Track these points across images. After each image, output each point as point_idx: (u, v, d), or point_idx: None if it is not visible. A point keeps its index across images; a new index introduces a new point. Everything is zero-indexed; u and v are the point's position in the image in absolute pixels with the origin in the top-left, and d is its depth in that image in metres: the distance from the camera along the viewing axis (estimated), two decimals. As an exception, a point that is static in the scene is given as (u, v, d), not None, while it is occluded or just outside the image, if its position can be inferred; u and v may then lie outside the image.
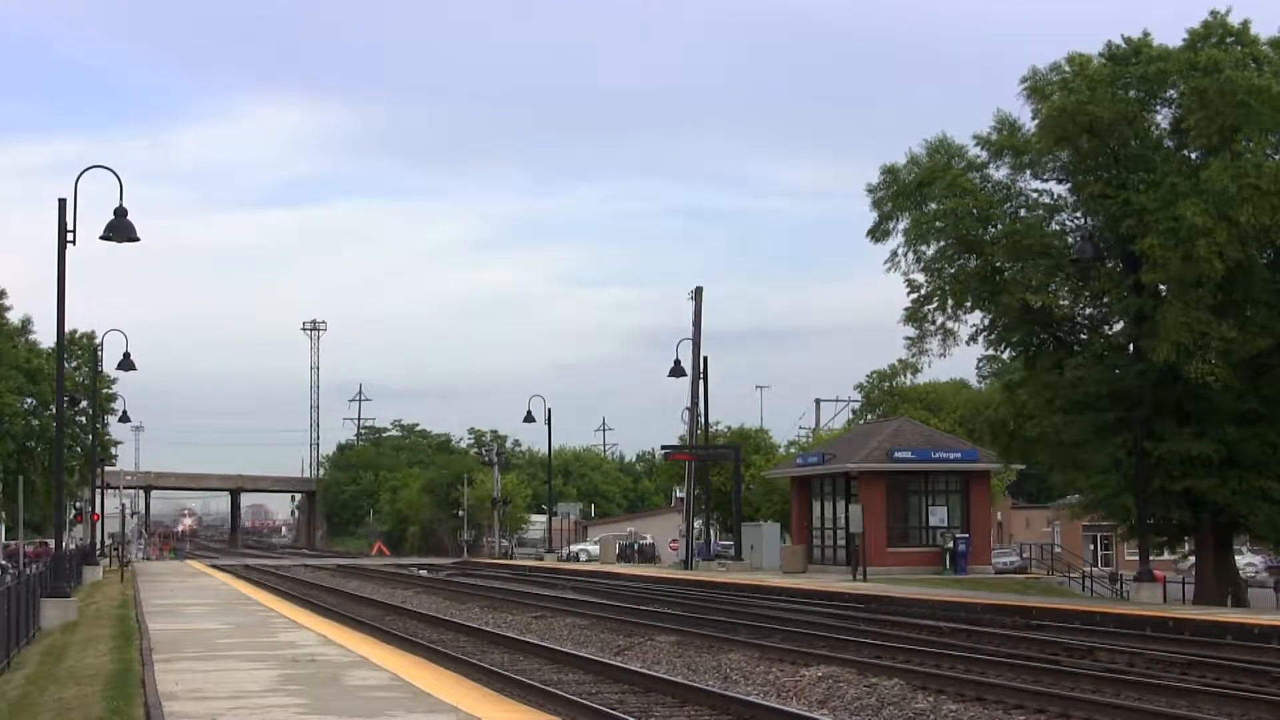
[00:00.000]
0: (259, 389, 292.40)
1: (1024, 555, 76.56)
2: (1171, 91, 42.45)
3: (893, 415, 74.60)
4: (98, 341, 69.13)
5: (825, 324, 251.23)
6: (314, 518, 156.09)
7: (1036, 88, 43.29)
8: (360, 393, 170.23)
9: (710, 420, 70.20)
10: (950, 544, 55.70)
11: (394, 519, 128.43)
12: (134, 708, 15.98)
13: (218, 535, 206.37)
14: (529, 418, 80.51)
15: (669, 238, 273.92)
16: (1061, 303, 44.64)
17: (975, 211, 43.86)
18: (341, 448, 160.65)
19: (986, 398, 65.30)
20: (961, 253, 44.80)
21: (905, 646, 26.08)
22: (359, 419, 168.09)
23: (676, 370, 64.98)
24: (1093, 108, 41.05)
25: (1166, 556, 54.06)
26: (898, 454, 57.53)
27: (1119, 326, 44.85)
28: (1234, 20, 42.11)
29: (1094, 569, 69.90)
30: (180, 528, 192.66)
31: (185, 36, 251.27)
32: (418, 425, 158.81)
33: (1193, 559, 48.39)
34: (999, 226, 44.19)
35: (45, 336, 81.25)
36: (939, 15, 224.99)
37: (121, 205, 31.45)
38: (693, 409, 69.02)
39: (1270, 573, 62.97)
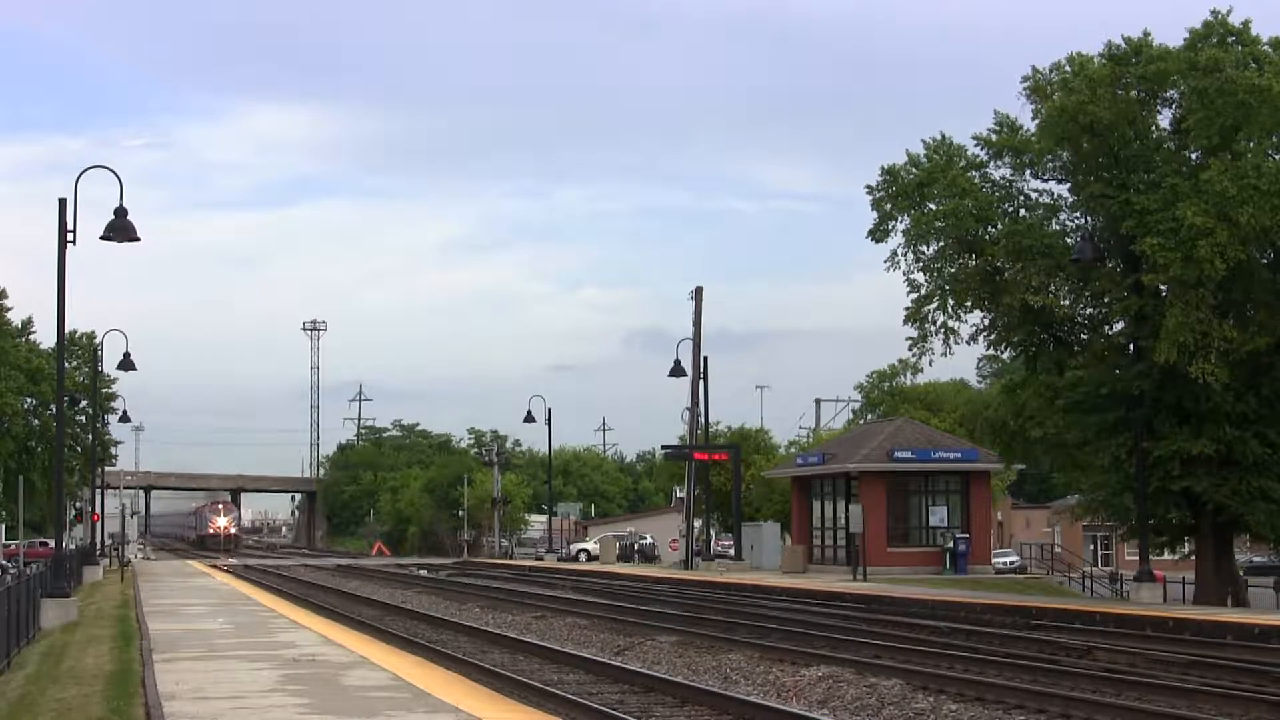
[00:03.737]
0: (259, 389, 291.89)
1: (1024, 555, 76.60)
2: (1172, 91, 42.46)
3: (893, 415, 74.60)
4: (98, 341, 69.22)
5: (825, 324, 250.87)
6: (314, 518, 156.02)
7: (1037, 87, 43.30)
8: (360, 393, 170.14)
9: (710, 420, 70.24)
10: (950, 544, 55.73)
11: (394, 519, 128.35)
12: (134, 708, 15.99)
13: None
14: (529, 418, 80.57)
15: (669, 237, 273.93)
16: (1062, 303, 44.63)
17: (975, 211, 43.85)
18: (342, 448, 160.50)
19: (986, 398, 65.36)
20: (961, 253, 44.79)
21: (905, 646, 26.09)
22: (359, 419, 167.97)
23: (676, 370, 65.02)
24: (1093, 108, 41.07)
25: (1168, 556, 54.05)
26: (898, 454, 57.54)
27: (1119, 327, 44.84)
28: (1234, 20, 42.10)
29: (1094, 569, 69.93)
30: (211, 529, 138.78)
31: (185, 37, 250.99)
32: (418, 425, 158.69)
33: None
34: (999, 226, 44.20)
35: (45, 336, 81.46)
36: (939, 15, 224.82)
37: (121, 205, 31.47)
38: (693, 409, 69.02)
39: None
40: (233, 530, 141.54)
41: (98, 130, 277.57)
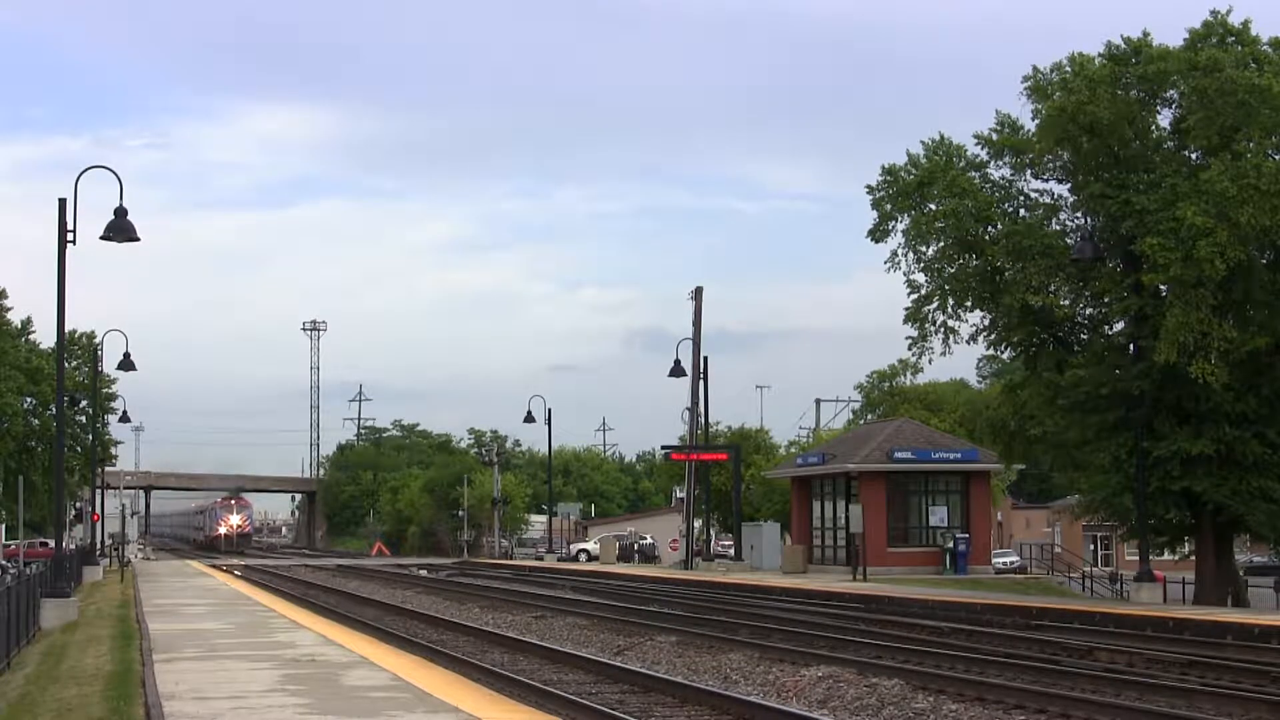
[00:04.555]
0: (259, 389, 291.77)
1: (1024, 555, 76.61)
2: (1172, 91, 42.50)
3: (893, 415, 74.58)
4: (98, 341, 69.22)
5: (825, 324, 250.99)
6: (314, 518, 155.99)
7: (1037, 87, 43.35)
8: (360, 393, 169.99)
9: (710, 420, 70.26)
10: (950, 544, 55.70)
11: (394, 519, 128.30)
12: (134, 708, 15.99)
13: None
14: (529, 418, 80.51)
15: (669, 238, 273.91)
16: (1062, 303, 44.66)
17: (975, 212, 43.89)
18: (341, 448, 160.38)
19: (986, 398, 65.35)
20: (962, 253, 44.83)
21: (905, 646, 26.09)
22: (359, 419, 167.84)
23: (676, 370, 65.01)
24: (1093, 108, 41.09)
25: (1168, 556, 54.06)
26: (898, 454, 57.53)
27: (1119, 326, 44.88)
28: (1234, 20, 42.21)
29: (1094, 569, 69.93)
30: (222, 528, 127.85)
31: (185, 37, 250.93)
32: (418, 425, 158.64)
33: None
34: (999, 226, 44.25)
35: (45, 336, 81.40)
36: (939, 15, 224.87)
37: (121, 205, 31.48)
38: (693, 409, 69.02)
39: None
40: (247, 529, 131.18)
41: (98, 130, 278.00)
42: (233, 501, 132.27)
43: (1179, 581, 49.23)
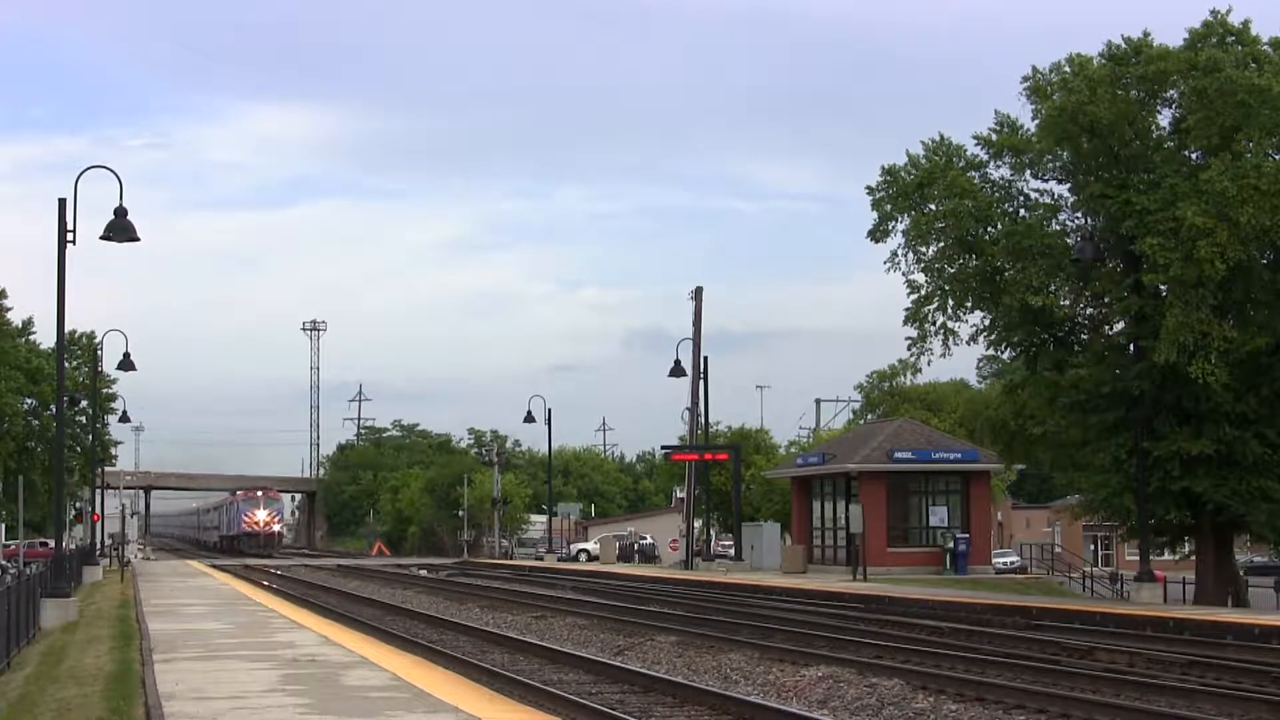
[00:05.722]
0: (259, 389, 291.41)
1: (1024, 555, 76.63)
2: (1172, 91, 42.52)
3: (893, 415, 74.59)
4: (98, 341, 69.28)
5: (825, 324, 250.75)
6: (314, 518, 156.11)
7: (1037, 87, 43.38)
8: (360, 393, 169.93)
9: (710, 420, 70.25)
10: (950, 544, 55.68)
11: (394, 519, 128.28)
12: (134, 708, 15.99)
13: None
14: (529, 418, 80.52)
15: (669, 238, 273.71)
16: (1062, 303, 44.67)
17: (975, 212, 43.89)
18: (341, 448, 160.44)
19: (986, 398, 65.31)
20: (962, 253, 44.82)
21: (905, 646, 26.09)
22: (359, 419, 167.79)
23: (677, 370, 65.01)
24: (1093, 108, 41.12)
25: (1168, 556, 54.08)
26: (898, 454, 57.51)
27: (1120, 326, 44.88)
28: (1234, 20, 42.22)
29: (1094, 569, 69.95)
30: (245, 524, 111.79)
31: (185, 37, 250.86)
32: (418, 425, 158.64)
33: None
34: (999, 226, 44.25)
35: (45, 337, 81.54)
36: (939, 15, 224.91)
37: (121, 205, 31.49)
38: (693, 409, 69.04)
39: None
40: (275, 527, 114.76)
41: (98, 130, 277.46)
42: (258, 494, 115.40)
43: (1179, 581, 49.23)
